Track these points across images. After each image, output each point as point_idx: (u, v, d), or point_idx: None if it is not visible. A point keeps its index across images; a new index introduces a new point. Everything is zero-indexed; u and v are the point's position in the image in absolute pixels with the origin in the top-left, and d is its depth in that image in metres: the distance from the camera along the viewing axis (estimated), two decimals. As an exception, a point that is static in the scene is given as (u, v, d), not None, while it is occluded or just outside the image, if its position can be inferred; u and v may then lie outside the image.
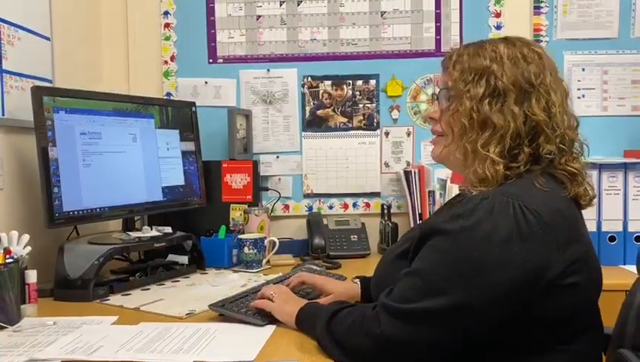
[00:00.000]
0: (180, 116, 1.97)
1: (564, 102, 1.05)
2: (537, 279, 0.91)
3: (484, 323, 0.93)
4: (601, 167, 1.84)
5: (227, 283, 1.65)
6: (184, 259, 1.84)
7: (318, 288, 1.40)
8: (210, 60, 2.22)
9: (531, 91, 1.01)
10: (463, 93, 1.04)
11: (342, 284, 1.45)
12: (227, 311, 1.28)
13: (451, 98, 1.07)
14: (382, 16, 2.19)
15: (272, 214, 2.18)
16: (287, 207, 2.23)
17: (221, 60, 2.22)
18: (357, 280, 1.43)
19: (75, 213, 1.55)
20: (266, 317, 1.24)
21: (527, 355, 0.97)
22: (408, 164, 2.23)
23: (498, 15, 2.19)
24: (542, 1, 2.18)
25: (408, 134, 2.23)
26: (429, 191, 2.09)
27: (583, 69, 2.15)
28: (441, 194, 2.09)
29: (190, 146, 1.99)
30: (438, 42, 2.20)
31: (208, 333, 1.18)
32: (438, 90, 1.14)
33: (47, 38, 1.79)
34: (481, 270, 0.91)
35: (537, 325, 0.95)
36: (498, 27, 2.19)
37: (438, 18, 2.19)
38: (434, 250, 0.97)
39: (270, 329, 1.21)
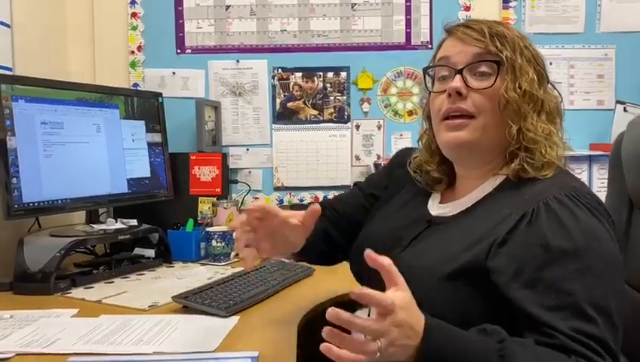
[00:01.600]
0: (146, 107, 1.93)
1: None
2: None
3: None
4: (566, 160, 1.86)
5: (193, 276, 1.63)
6: (150, 253, 1.80)
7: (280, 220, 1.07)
8: (178, 51, 2.19)
9: (544, 75, 1.00)
10: (522, 69, 0.94)
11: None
12: (191, 302, 1.26)
13: (502, 74, 0.94)
14: (352, 8, 2.18)
15: (241, 207, 2.16)
16: (257, 200, 2.21)
17: (189, 51, 2.19)
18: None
19: (35, 204, 1.51)
20: (230, 308, 1.23)
21: None
22: (379, 157, 2.22)
23: (468, 8, 2.20)
24: (510, -5, 2.20)
25: (379, 127, 2.23)
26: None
27: (551, 63, 2.18)
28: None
29: (156, 138, 1.95)
30: (408, 35, 2.20)
31: (170, 325, 1.16)
32: (470, 61, 0.96)
33: (7, 25, 1.73)
34: (618, 275, 0.86)
35: None
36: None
37: (408, 11, 2.19)
38: (576, 272, 0.82)
39: (234, 319, 1.20)
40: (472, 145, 0.96)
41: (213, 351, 1.01)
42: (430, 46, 2.20)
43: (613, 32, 2.21)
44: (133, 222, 1.79)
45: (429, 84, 1.05)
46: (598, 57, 2.22)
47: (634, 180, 1.16)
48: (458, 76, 0.95)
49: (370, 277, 0.80)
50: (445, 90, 0.97)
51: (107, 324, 1.17)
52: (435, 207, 1.06)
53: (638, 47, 2.20)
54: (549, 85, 1.01)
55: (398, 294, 0.75)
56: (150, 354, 1.01)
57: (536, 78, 0.96)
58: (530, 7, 2.20)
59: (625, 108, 2.19)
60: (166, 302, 1.33)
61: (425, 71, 1.06)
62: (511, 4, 2.21)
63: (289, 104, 2.21)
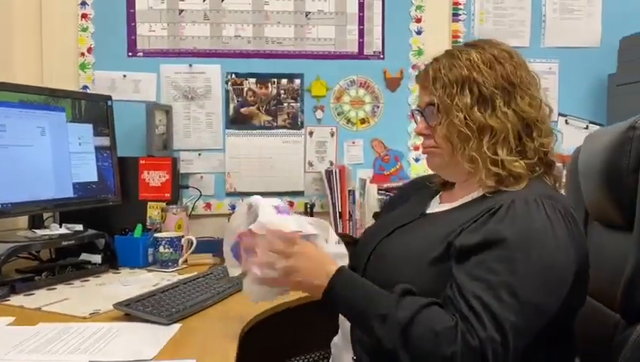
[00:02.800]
0: (94, 110, 1.89)
1: (540, 93, 1.09)
2: (581, 273, 0.98)
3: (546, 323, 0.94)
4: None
5: (139, 282, 1.60)
6: (97, 258, 1.77)
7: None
8: (130, 53, 2.16)
9: (513, 90, 1.04)
10: (451, 106, 1.04)
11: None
12: (132, 310, 1.25)
13: (440, 113, 1.07)
14: (306, 16, 2.20)
15: (192, 213, 2.14)
16: (208, 205, 2.20)
17: (141, 54, 2.16)
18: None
19: (-27, 208, 1.47)
20: (172, 316, 1.22)
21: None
22: (332, 163, 2.25)
23: (419, 20, 2.25)
24: (460, 9, 2.27)
25: (332, 134, 2.25)
26: (350, 191, 2.12)
27: (498, 76, 2.25)
28: (361, 193, 2.13)
29: (105, 141, 1.92)
30: (361, 45, 2.24)
31: (110, 333, 1.15)
32: (422, 107, 1.12)
33: (-52, 23, 1.68)
34: (560, 277, 0.93)
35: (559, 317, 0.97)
36: (419, 32, 2.26)
37: (361, 21, 2.23)
38: (509, 261, 0.91)
39: (175, 327, 1.19)
40: (444, 167, 1.13)
41: (151, 360, 1.00)
42: (382, 56, 2.25)
43: (556, 46, 2.30)
44: (79, 227, 1.76)
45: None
46: (543, 71, 2.30)
47: (589, 192, 1.19)
48: (421, 119, 1.14)
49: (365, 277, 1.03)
50: None
51: (44, 333, 1.14)
52: (433, 206, 1.19)
53: (580, 62, 2.30)
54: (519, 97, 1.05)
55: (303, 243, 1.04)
56: (85, 363, 0.99)
57: (475, 107, 1.03)
58: (479, 21, 2.27)
59: (566, 121, 2.28)
60: (108, 310, 1.30)
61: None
62: (460, 18, 2.27)
63: (242, 109, 2.21)
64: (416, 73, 1.20)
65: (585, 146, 1.28)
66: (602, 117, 2.27)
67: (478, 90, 1.04)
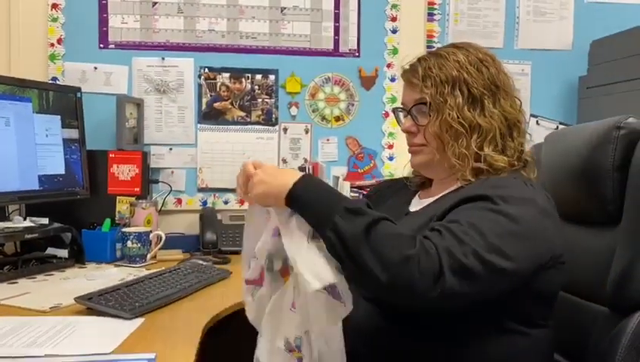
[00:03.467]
0: (62, 101, 1.85)
1: (517, 94, 1.13)
2: (553, 253, 0.99)
3: (509, 289, 0.95)
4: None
5: (104, 277, 1.57)
6: (63, 253, 1.73)
7: None
8: (101, 45, 2.12)
9: (498, 92, 1.09)
10: (444, 105, 1.07)
11: None
12: (94, 303, 1.22)
13: (432, 111, 1.09)
14: (282, 12, 2.19)
15: (163, 208, 2.12)
16: (179, 201, 2.17)
17: (113, 46, 2.12)
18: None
19: None
20: (135, 310, 1.20)
21: (494, 333, 1.00)
22: (306, 160, 2.24)
23: (394, 19, 2.26)
24: (435, 9, 2.28)
25: (306, 131, 2.24)
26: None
27: (472, 76, 2.27)
28: (334, 191, 2.12)
29: (73, 134, 1.88)
30: (336, 42, 2.23)
31: (69, 327, 1.12)
32: (409, 105, 1.13)
33: None
34: (531, 238, 0.95)
35: (528, 299, 1.00)
36: (394, 31, 2.26)
37: (337, 18, 2.22)
38: (486, 211, 0.95)
39: (138, 322, 1.17)
40: (428, 165, 1.14)
41: (109, 354, 0.98)
42: (357, 54, 2.25)
43: (529, 48, 2.33)
44: (44, 220, 1.72)
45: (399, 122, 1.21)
46: (516, 72, 2.31)
47: (559, 191, 1.20)
48: (408, 117, 1.15)
49: None
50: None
51: (0, 326, 1.11)
52: (415, 204, 1.20)
53: (552, 64, 2.33)
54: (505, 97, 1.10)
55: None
56: (41, 356, 0.96)
57: (465, 106, 1.07)
58: (454, 22, 2.29)
59: (537, 122, 2.31)
60: (69, 304, 1.27)
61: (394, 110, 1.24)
62: (435, 17, 2.28)
63: (215, 104, 2.19)
64: (402, 70, 1.17)
65: (550, 146, 1.31)
66: (572, 118, 2.30)
67: (467, 90, 1.08)
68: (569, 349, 1.16)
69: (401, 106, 1.18)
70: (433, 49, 1.21)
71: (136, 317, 1.18)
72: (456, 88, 1.07)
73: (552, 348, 1.10)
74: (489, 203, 0.95)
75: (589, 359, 1.09)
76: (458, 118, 1.06)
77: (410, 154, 1.18)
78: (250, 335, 1.05)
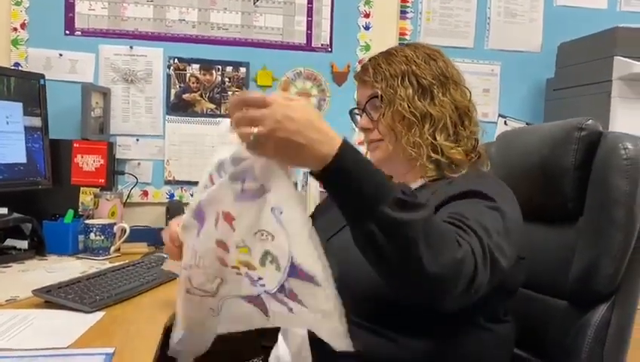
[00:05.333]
0: (24, 88, 1.79)
1: (467, 86, 1.16)
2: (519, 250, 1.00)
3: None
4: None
5: (65, 269, 1.53)
6: (23, 244, 1.68)
7: None
8: (67, 32, 2.06)
9: (447, 82, 1.11)
10: (394, 96, 1.09)
11: None
12: (52, 296, 1.18)
13: (384, 103, 1.10)
14: (254, 4, 2.17)
15: (128, 201, 2.07)
16: (145, 193, 2.13)
17: (79, 33, 2.07)
18: None
19: None
20: (95, 304, 1.17)
21: (467, 329, 1.01)
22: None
23: (367, 15, 2.26)
24: (408, 7, 2.28)
25: (276, 125, 2.22)
26: (293, 183, 2.10)
27: (442, 75, 2.29)
28: (303, 186, 2.11)
29: (36, 122, 1.82)
30: (309, 37, 2.22)
31: (26, 320, 1.08)
32: (363, 102, 1.14)
33: None
34: (515, 235, 0.95)
35: (495, 295, 0.97)
36: (367, 27, 2.26)
37: (309, 12, 2.21)
38: (483, 206, 0.93)
39: (98, 315, 1.13)
40: (387, 159, 1.12)
41: (66, 348, 0.95)
42: (330, 49, 2.24)
43: (499, 49, 2.36)
44: (3, 210, 1.66)
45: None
46: (485, 72, 2.36)
47: (515, 189, 1.23)
48: (364, 115, 1.15)
49: None
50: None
51: (-48, 319, 1.07)
52: None
53: (521, 65, 2.36)
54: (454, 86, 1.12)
55: (275, 95, 0.76)
56: (-6, 351, 0.93)
57: (416, 96, 1.09)
58: (426, 20, 2.30)
59: (505, 122, 2.34)
60: (27, 297, 1.23)
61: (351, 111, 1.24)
62: (408, 15, 2.29)
63: (184, 95, 2.15)
64: (354, 74, 1.21)
65: (503, 144, 1.36)
66: (539, 119, 2.34)
67: (417, 81, 1.10)
68: (529, 343, 1.18)
69: (356, 107, 1.20)
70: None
71: (97, 310, 1.15)
72: (406, 80, 1.09)
73: (512, 344, 1.12)
74: (483, 199, 0.96)
75: (552, 353, 1.12)
76: (409, 107, 1.08)
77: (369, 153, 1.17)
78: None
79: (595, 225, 1.09)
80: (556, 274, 1.14)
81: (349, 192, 0.77)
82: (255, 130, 0.74)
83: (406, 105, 1.08)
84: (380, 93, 1.11)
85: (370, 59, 1.16)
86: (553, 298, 1.17)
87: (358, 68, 1.22)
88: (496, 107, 2.36)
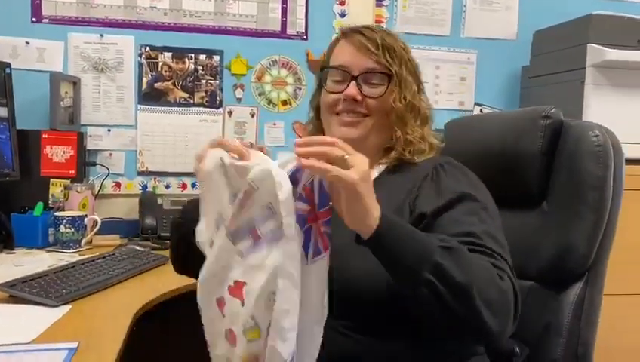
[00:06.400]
0: (-11, 77, 1.74)
1: None
2: None
3: None
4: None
5: (34, 263, 1.49)
6: (-10, 238, 1.64)
7: None
8: (34, 19, 2.00)
9: (420, 81, 1.13)
10: (403, 81, 1.05)
11: None
12: (17, 291, 1.15)
13: (392, 85, 1.05)
14: (228, -10, 2.13)
15: (100, 192, 2.03)
16: (118, 184, 2.09)
17: (47, 20, 2.01)
18: None
19: None
20: (61, 298, 1.14)
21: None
22: (251, 145, 2.17)
23: (343, 3, 2.23)
24: (384, -6, 2.27)
25: (252, 115, 2.20)
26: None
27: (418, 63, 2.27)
28: (279, 175, 2.09)
29: (2, 112, 1.77)
30: (283, 24, 2.19)
31: (-12, 315, 1.05)
32: (363, 71, 1.05)
33: None
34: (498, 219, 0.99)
35: None
36: (342, 15, 2.23)
37: (284, -1, 2.18)
38: (479, 210, 0.95)
39: (64, 309, 1.11)
40: (362, 141, 1.05)
41: (28, 343, 0.93)
42: (305, 37, 2.21)
43: (475, 37, 2.35)
44: (-31, 203, 1.62)
45: (324, 82, 1.11)
46: (462, 61, 2.35)
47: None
48: (354, 83, 1.06)
49: None
50: (340, 92, 1.07)
51: None
52: None
53: (497, 53, 2.36)
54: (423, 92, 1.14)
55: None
56: (-47, 348, 0.90)
57: (416, 89, 1.09)
58: (402, 8, 2.28)
59: (481, 110, 2.34)
60: (-9, 291, 1.20)
61: (321, 69, 1.13)
62: (384, 2, 2.27)
63: (157, 84, 2.11)
64: (349, 31, 1.10)
65: (455, 133, 1.38)
66: (515, 107, 2.33)
67: (416, 73, 1.10)
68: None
69: (340, 69, 1.07)
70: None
71: (63, 304, 1.13)
72: (408, 67, 1.08)
73: None
74: (475, 201, 0.96)
75: (529, 333, 1.12)
76: (413, 98, 1.06)
77: (340, 127, 1.07)
78: (187, 320, 1.00)
79: (567, 208, 1.11)
80: (521, 256, 1.11)
81: (403, 250, 0.79)
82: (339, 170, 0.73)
83: (409, 95, 1.06)
84: (392, 71, 1.05)
85: (373, 30, 1.08)
86: (521, 279, 1.17)
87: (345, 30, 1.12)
88: (472, 96, 2.35)
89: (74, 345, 0.91)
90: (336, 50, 1.11)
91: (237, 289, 0.77)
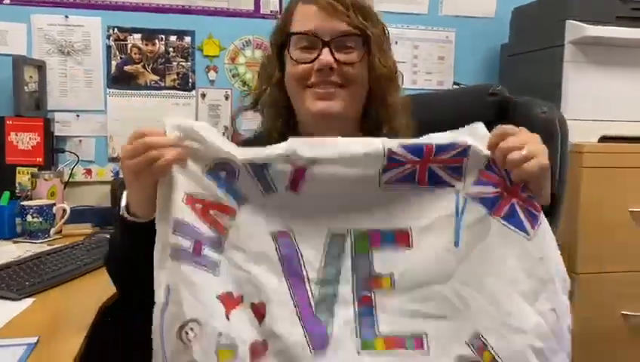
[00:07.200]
0: (-54, 61, 1.66)
1: None
2: None
3: None
4: None
5: (-1, 254, 1.44)
6: (-46, 229, 1.58)
7: None
8: (-6, 0, 1.91)
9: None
10: (384, 43, 0.99)
11: None
12: (-23, 284, 1.10)
13: (373, 50, 0.96)
14: (198, -32, 2.05)
15: (71, 180, 1.96)
16: (89, 171, 2.02)
17: (8, 1, 1.92)
18: None
19: None
20: (24, 290, 1.09)
21: None
22: (226, 128, 2.14)
23: (318, -20, 2.17)
24: (359, -29, 2.20)
25: (226, 97, 2.14)
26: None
27: (396, 42, 2.22)
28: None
29: (-39, 98, 1.70)
30: (257, 3, 2.12)
31: (-55, 311, 1.00)
32: (335, 36, 0.94)
33: None
34: None
35: None
36: (318, -7, 2.17)
37: (257, -23, 2.11)
38: None
39: (27, 302, 1.06)
40: (341, 115, 0.96)
41: (-16, 339, 0.88)
42: (280, 16, 2.14)
43: (454, 15, 2.31)
44: None
45: (290, 51, 0.97)
46: (440, 39, 2.31)
47: None
48: (327, 50, 0.94)
49: None
50: (311, 62, 0.95)
51: None
52: None
53: (476, 32, 2.32)
54: None
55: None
56: None
57: (392, 53, 1.01)
58: (378, -15, 2.23)
59: (460, 89, 2.31)
60: (-50, 286, 1.14)
61: (288, 37, 0.98)
62: (360, -20, 2.21)
63: (126, 67, 2.03)
64: None
65: (413, 110, 1.36)
66: (494, 86, 2.31)
67: (385, 31, 1.02)
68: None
69: (308, 35, 0.95)
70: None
71: (25, 297, 1.08)
72: (381, 28, 0.99)
73: None
74: None
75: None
76: (393, 65, 1.00)
77: (317, 101, 0.96)
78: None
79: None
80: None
81: None
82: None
83: (389, 60, 0.98)
84: (369, 33, 0.95)
85: None
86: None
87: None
88: (451, 75, 2.32)
89: (33, 340, 0.86)
90: (298, 15, 0.98)
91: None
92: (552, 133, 1.10)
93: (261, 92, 1.05)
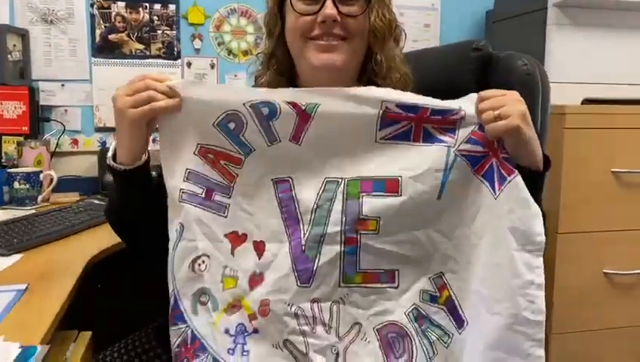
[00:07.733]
0: None
1: None
2: None
3: None
4: None
5: (-14, 219, 1.44)
6: (-59, 199, 1.57)
7: None
8: (-26, -32, 1.89)
9: None
10: (387, 1, 0.97)
11: None
12: (-35, 243, 1.11)
13: (376, 3, 0.95)
14: None
15: (58, 150, 1.96)
16: (75, 141, 2.02)
17: (-12, -31, 1.90)
18: None
19: None
20: (12, 246, 1.10)
21: None
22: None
23: (302, -53, 2.15)
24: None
25: (212, 66, 2.13)
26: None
27: (382, 9, 2.22)
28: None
29: (-56, 66, 1.68)
30: (242, -31, 2.11)
31: None
32: None
33: None
34: None
35: None
36: (302, -40, 2.16)
37: (241, -57, 2.09)
38: None
39: (15, 258, 1.08)
40: (343, 67, 0.94)
41: (-27, 289, 0.89)
42: (264, -17, 2.13)
43: (439, -18, 2.31)
44: None
45: (292, 3, 0.94)
46: (425, 7, 2.31)
47: None
48: (330, 2, 0.92)
49: None
50: (314, 13, 0.92)
51: None
52: None
53: (461, -1, 2.32)
54: None
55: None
56: None
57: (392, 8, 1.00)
58: (363, -49, 2.21)
59: (446, 56, 2.31)
60: (-62, 245, 1.15)
61: None
62: (344, -54, 2.20)
63: (111, 36, 2.02)
64: None
65: None
66: (480, 53, 2.32)
67: None
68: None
69: None
70: None
71: (14, 253, 1.09)
72: None
73: None
74: None
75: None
76: (394, 20, 0.98)
77: (320, 54, 0.94)
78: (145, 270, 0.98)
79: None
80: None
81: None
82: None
83: (394, 17, 0.98)
84: None
85: None
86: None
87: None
88: (437, 42, 2.32)
89: (23, 286, 0.88)
90: None
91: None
92: (533, 85, 1.11)
93: (271, 51, 1.02)
